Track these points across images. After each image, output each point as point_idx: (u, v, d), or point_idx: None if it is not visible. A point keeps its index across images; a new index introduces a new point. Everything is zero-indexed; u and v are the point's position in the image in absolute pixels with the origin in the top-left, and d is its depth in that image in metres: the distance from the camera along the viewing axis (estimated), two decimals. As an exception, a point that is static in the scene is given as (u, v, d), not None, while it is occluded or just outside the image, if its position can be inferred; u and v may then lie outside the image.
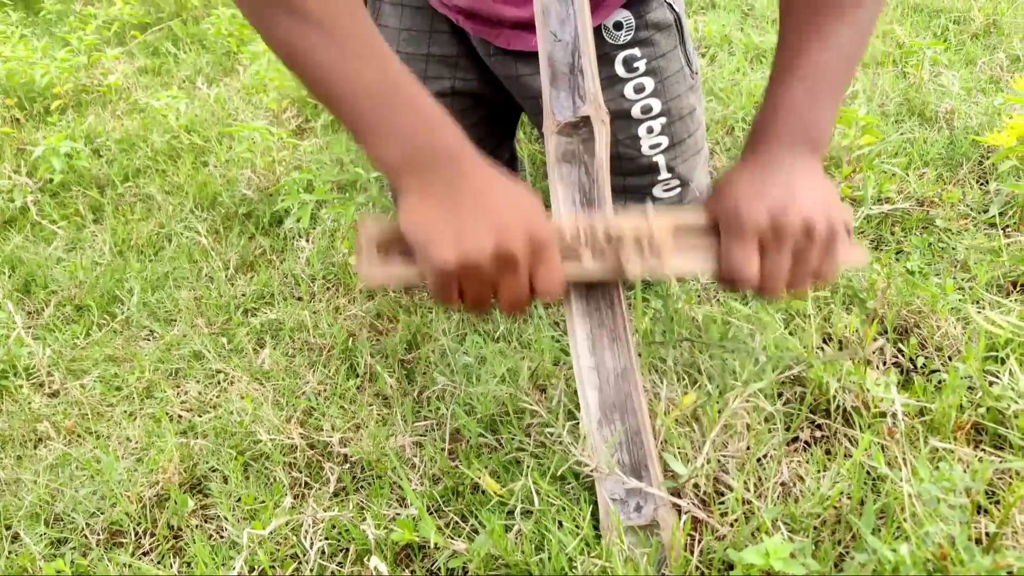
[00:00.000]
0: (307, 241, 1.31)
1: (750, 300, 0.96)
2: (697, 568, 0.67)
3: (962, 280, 1.00)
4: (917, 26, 2.01)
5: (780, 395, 0.84)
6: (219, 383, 1.03)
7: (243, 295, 1.21)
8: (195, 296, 1.21)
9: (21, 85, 1.85)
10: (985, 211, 1.19)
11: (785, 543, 0.58)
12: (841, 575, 0.62)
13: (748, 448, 0.74)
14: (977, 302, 0.92)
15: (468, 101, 1.08)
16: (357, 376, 1.01)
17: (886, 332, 0.92)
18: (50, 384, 1.06)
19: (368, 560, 0.69)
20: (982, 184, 1.26)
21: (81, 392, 1.03)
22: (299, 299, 1.20)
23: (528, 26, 0.97)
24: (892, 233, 1.18)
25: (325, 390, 0.98)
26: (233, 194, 1.47)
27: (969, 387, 0.77)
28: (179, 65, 2.10)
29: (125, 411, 1.00)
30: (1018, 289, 0.95)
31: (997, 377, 0.75)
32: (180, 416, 0.98)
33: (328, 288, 1.20)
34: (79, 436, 0.97)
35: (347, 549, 0.74)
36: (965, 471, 0.64)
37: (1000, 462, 0.66)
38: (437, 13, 1.01)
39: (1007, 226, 1.14)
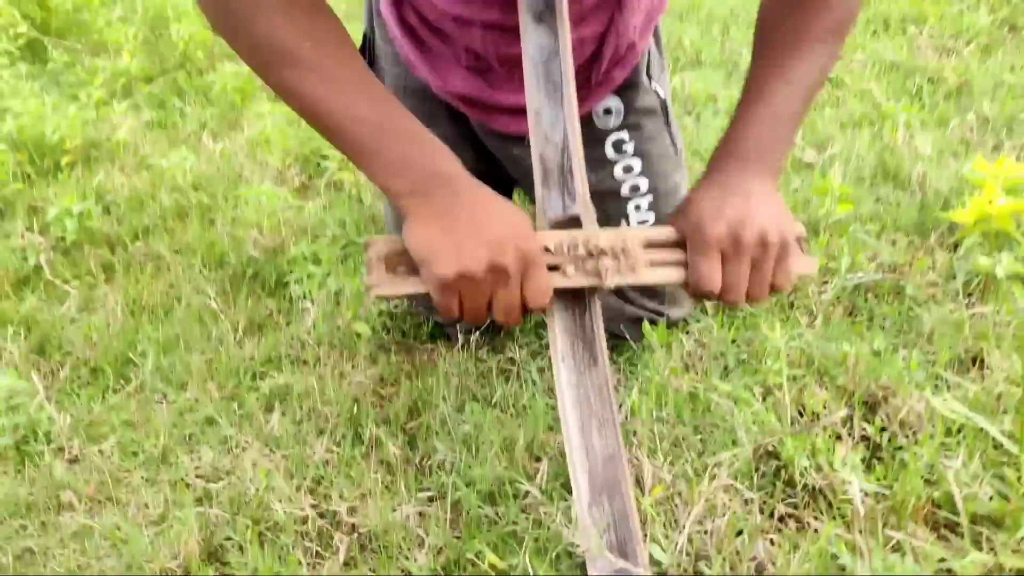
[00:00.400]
0: (312, 303, 1.37)
1: (719, 308, 1.05)
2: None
3: (928, 354, 1.07)
4: (893, 85, 2.10)
5: (757, 468, 0.91)
6: (231, 449, 1.09)
7: (252, 358, 1.28)
8: (206, 360, 1.27)
9: (32, 140, 1.91)
10: (953, 278, 1.27)
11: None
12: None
13: (724, 528, 0.80)
14: (937, 383, 0.99)
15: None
16: (362, 443, 1.07)
17: (855, 407, 0.99)
18: (70, 450, 1.12)
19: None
20: (951, 250, 1.34)
21: (100, 458, 1.09)
22: (305, 362, 1.26)
23: (522, 111, 1.04)
24: (865, 300, 1.25)
25: (332, 458, 1.04)
26: (240, 254, 1.53)
27: (928, 474, 0.84)
28: (184, 119, 2.17)
29: (143, 477, 1.06)
30: (976, 365, 1.02)
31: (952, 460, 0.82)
32: (195, 483, 1.04)
33: (333, 351, 1.26)
34: (100, 503, 1.02)
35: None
36: (917, 560, 0.71)
37: (950, 551, 0.73)
38: (436, 97, 1.09)
39: (971, 294, 1.21)
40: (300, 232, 1.57)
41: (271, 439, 1.09)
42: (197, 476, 1.05)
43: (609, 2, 0.97)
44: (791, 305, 1.21)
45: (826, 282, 1.27)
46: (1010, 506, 0.75)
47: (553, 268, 0.76)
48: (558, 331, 0.79)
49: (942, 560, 0.73)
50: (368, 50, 1.13)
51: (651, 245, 0.79)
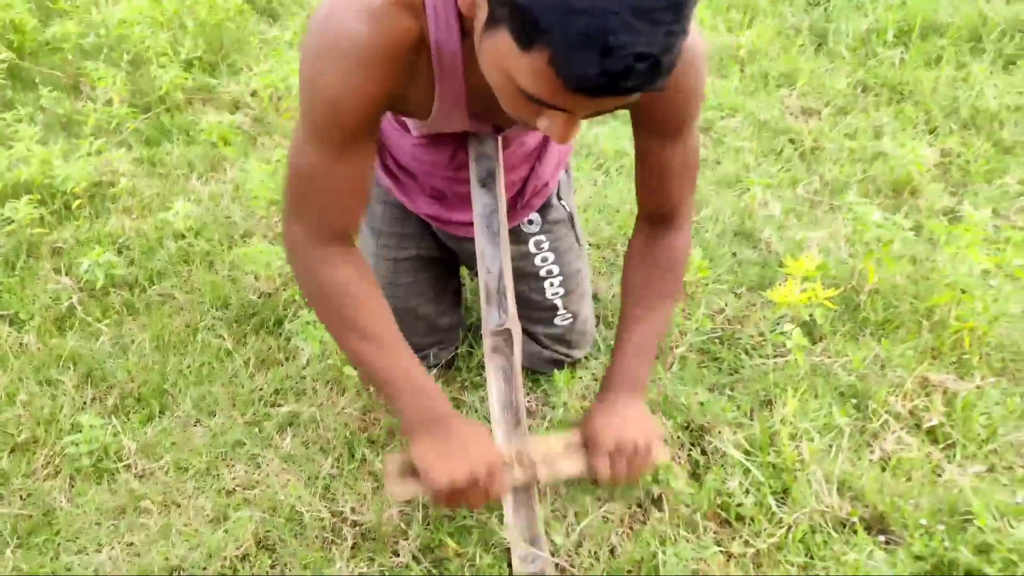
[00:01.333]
0: (304, 342, 1.80)
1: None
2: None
3: (743, 394, 1.58)
4: (763, 144, 2.60)
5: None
6: (259, 465, 1.53)
7: (263, 390, 1.70)
8: (227, 391, 1.70)
9: (42, 185, 2.25)
10: (775, 327, 1.78)
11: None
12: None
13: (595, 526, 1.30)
14: (741, 421, 1.50)
15: (430, 261, 1.60)
16: (355, 460, 1.53)
17: (688, 428, 1.49)
18: (136, 466, 1.53)
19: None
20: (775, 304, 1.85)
21: (161, 473, 1.51)
22: (304, 393, 1.69)
23: (469, 224, 1.49)
24: (713, 344, 1.76)
25: (336, 472, 1.49)
26: (241, 297, 1.94)
27: (721, 486, 1.35)
28: (171, 157, 2.52)
29: (195, 487, 1.49)
30: (767, 407, 1.54)
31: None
32: (235, 490, 1.48)
33: (326, 387, 1.70)
34: (167, 507, 1.45)
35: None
36: (703, 545, 1.22)
37: (725, 538, 1.24)
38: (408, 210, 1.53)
39: (783, 344, 1.73)
40: (289, 279, 1.98)
41: (288, 457, 1.54)
42: (236, 486, 1.49)
43: (530, 157, 1.43)
44: (657, 357, 1.71)
45: (684, 333, 1.77)
46: (757, 509, 1.27)
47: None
48: (495, 403, 1.26)
49: (719, 543, 1.24)
50: None
51: (568, 448, 1.22)
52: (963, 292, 1.65)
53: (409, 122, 1.28)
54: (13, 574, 1.32)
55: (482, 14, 0.85)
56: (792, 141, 2.63)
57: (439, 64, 1.03)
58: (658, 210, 1.27)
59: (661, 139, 1.17)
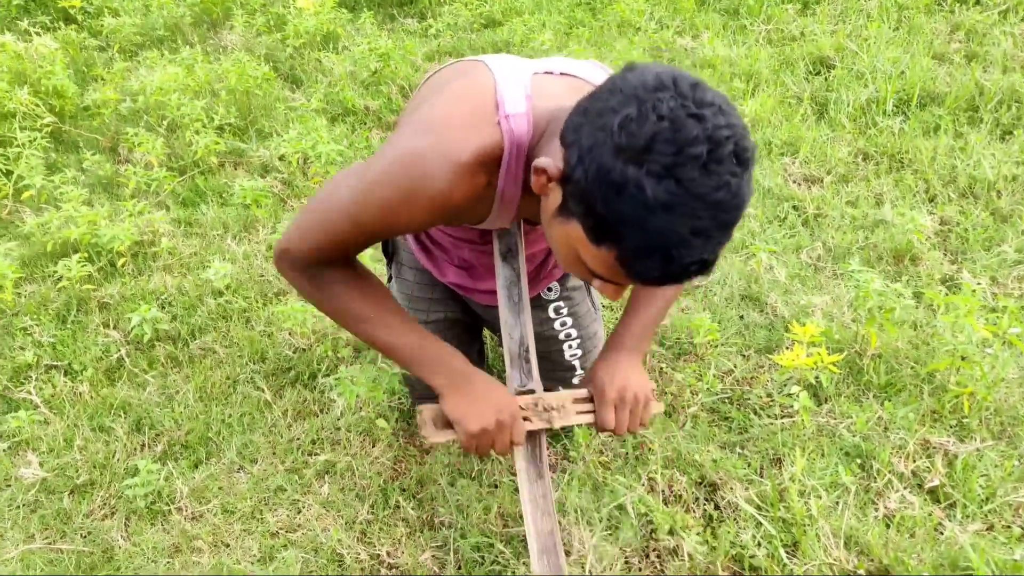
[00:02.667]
0: (338, 396, 1.91)
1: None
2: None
3: (753, 452, 1.69)
4: (767, 211, 2.74)
5: (641, 527, 1.50)
6: (300, 510, 1.63)
7: (300, 439, 1.81)
8: (268, 440, 1.80)
9: (90, 244, 2.39)
10: (782, 388, 1.89)
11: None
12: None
13: None
14: (751, 478, 1.60)
15: (456, 322, 1.72)
16: (388, 507, 1.63)
17: (701, 483, 1.59)
18: (187, 509, 1.64)
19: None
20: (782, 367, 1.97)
21: (210, 515, 1.61)
22: (339, 443, 1.80)
23: (493, 292, 1.61)
24: (723, 404, 1.87)
25: (372, 517, 1.59)
26: (277, 351, 2.06)
27: (735, 538, 1.45)
28: (206, 217, 2.67)
29: (242, 529, 1.59)
30: (776, 465, 1.64)
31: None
32: (279, 533, 1.58)
33: (359, 437, 1.81)
34: (217, 547, 1.55)
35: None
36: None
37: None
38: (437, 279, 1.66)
39: (790, 405, 1.84)
40: (322, 336, 2.11)
41: (326, 502, 1.64)
42: (279, 528, 1.59)
43: None
44: (668, 415, 1.82)
45: (696, 393, 1.88)
46: (769, 561, 1.37)
47: (524, 419, 1.33)
48: (520, 459, 1.37)
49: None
50: (390, 248, 1.68)
51: (576, 400, 1.37)
52: (963, 359, 1.77)
53: None
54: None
55: (555, 198, 1.00)
56: (796, 208, 2.76)
57: (500, 203, 1.17)
58: None
59: None
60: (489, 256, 1.52)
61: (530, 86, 1.11)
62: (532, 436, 1.37)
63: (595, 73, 1.18)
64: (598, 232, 0.93)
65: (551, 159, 0.99)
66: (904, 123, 3.14)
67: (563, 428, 1.74)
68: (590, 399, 1.36)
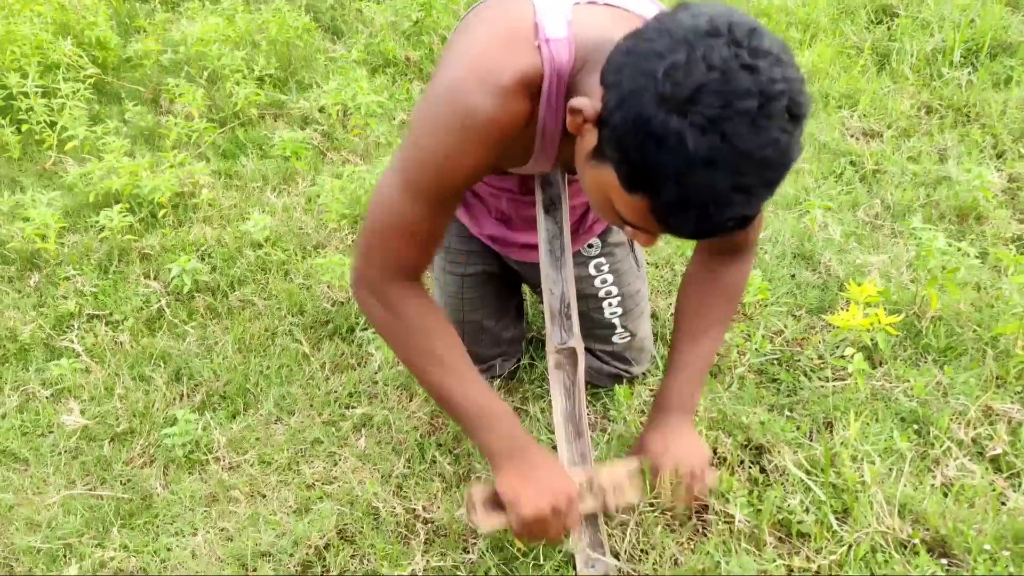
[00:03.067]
0: (376, 349, 1.89)
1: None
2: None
3: (802, 416, 1.62)
4: (823, 166, 2.62)
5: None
6: (336, 462, 1.62)
7: (338, 392, 1.79)
8: (305, 392, 1.79)
9: (131, 195, 2.38)
10: (834, 350, 1.81)
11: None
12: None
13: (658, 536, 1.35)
14: (800, 442, 1.54)
15: (493, 276, 1.67)
16: (425, 461, 1.60)
17: (747, 446, 1.53)
18: (224, 459, 1.63)
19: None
20: (836, 327, 1.88)
21: (247, 466, 1.61)
22: (376, 397, 1.78)
23: (531, 247, 1.55)
24: (771, 365, 1.80)
25: (408, 471, 1.57)
26: (316, 304, 2.04)
27: (781, 503, 1.40)
28: (245, 169, 2.65)
29: (279, 480, 1.58)
30: (828, 428, 1.57)
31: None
32: (315, 484, 1.56)
33: (396, 391, 1.78)
34: (253, 497, 1.55)
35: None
36: (763, 559, 1.26)
37: (785, 552, 1.28)
38: (472, 234, 1.60)
39: (843, 368, 1.76)
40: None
41: (363, 456, 1.62)
42: (316, 480, 1.58)
43: None
44: (713, 376, 1.76)
45: (743, 354, 1.81)
46: (817, 527, 1.31)
47: None
48: (557, 415, 1.32)
49: (779, 557, 1.29)
50: None
51: (630, 475, 1.27)
52: (1030, 321, 1.67)
53: None
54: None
55: (589, 140, 0.93)
56: (853, 163, 2.64)
57: (541, 139, 1.11)
58: (721, 248, 1.33)
59: None
60: (528, 208, 1.46)
61: (571, 14, 1.03)
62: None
63: (645, 5, 1.10)
64: (632, 181, 0.87)
65: (588, 99, 0.92)
66: (972, 75, 2.97)
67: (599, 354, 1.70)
68: (643, 471, 1.29)
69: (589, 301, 1.63)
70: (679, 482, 1.24)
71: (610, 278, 1.63)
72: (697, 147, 0.80)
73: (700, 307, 1.33)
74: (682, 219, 0.86)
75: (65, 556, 1.44)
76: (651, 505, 1.29)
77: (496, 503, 1.19)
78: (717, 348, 1.34)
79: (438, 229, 1.16)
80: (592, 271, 1.62)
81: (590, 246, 1.60)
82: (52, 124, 2.77)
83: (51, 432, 1.70)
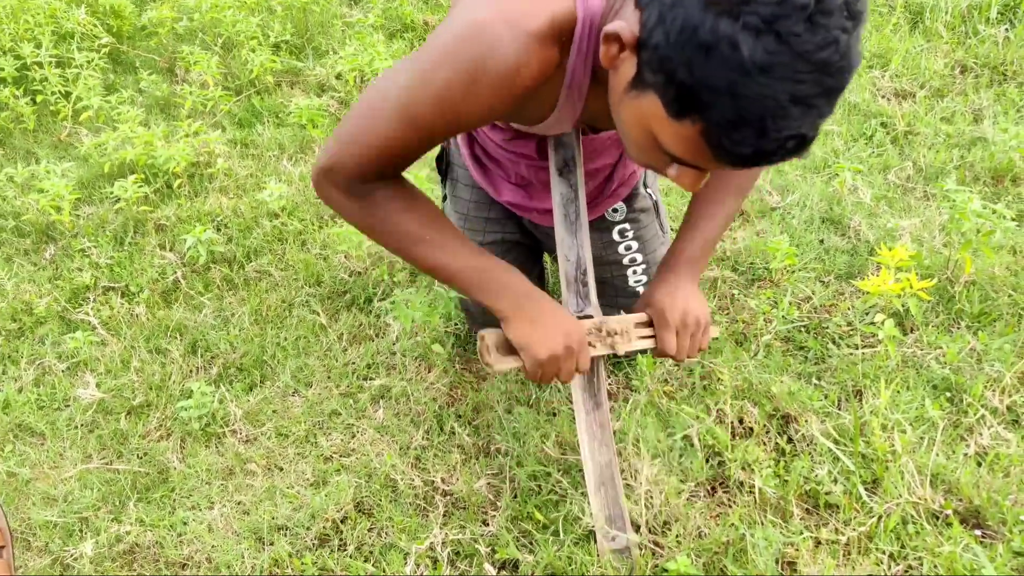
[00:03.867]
0: (394, 320, 1.86)
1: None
2: (650, 572, 1.26)
3: (831, 383, 1.57)
4: (853, 127, 2.54)
5: (708, 460, 1.42)
6: (354, 434, 1.60)
7: (355, 363, 1.77)
8: (323, 364, 1.77)
9: (146, 165, 2.36)
10: (864, 316, 1.76)
11: (689, 562, 1.17)
12: None
13: (680, 507, 1.32)
14: (828, 410, 1.49)
15: (514, 244, 1.63)
16: (443, 433, 1.58)
17: (773, 416, 1.49)
18: (241, 431, 1.62)
19: (482, 566, 1.27)
20: (866, 293, 1.82)
21: (264, 439, 1.59)
22: (395, 368, 1.75)
23: (550, 212, 1.50)
24: (798, 332, 1.75)
25: (426, 443, 1.55)
26: (333, 275, 2.02)
27: (809, 473, 1.35)
28: (261, 138, 2.61)
29: (296, 452, 1.57)
30: (856, 396, 1.53)
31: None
32: (333, 457, 1.55)
33: (415, 362, 1.76)
34: (270, 470, 1.53)
35: (470, 556, 1.31)
36: (790, 531, 1.22)
37: (814, 524, 1.24)
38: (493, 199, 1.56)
39: (873, 335, 1.70)
40: (378, 259, 2.05)
41: (381, 427, 1.60)
42: (333, 453, 1.56)
43: (617, 143, 1.44)
44: (739, 343, 1.71)
45: (770, 321, 1.76)
46: (846, 498, 1.27)
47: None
48: (577, 387, 1.29)
49: (806, 529, 1.25)
50: (444, 164, 1.59)
51: (637, 325, 1.27)
52: (1068, 285, 1.60)
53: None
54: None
55: (626, 70, 0.87)
56: (884, 125, 2.56)
57: (567, 92, 1.04)
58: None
59: None
60: (547, 173, 1.41)
61: None
62: (592, 362, 1.29)
63: None
64: (680, 103, 0.81)
65: (624, 22, 0.86)
66: (1009, 31, 2.86)
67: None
68: (650, 323, 1.27)
69: (612, 268, 1.59)
70: (684, 331, 1.24)
71: (635, 244, 1.58)
72: (752, 52, 0.74)
73: (717, 178, 1.28)
74: (737, 139, 0.79)
75: (81, 530, 1.43)
76: (657, 353, 1.27)
77: (508, 347, 1.19)
78: (732, 215, 1.30)
79: (424, 151, 1.09)
80: (616, 237, 1.57)
81: (615, 211, 1.55)
82: (67, 94, 2.75)
83: (67, 406, 1.69)
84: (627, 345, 1.25)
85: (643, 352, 1.39)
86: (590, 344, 1.23)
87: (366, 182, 1.09)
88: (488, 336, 1.20)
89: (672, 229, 2.09)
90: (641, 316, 1.27)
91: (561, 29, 0.95)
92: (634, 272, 1.61)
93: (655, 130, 0.87)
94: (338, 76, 2.92)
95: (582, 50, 0.98)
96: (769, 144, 0.79)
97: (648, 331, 1.27)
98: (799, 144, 0.79)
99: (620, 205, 1.54)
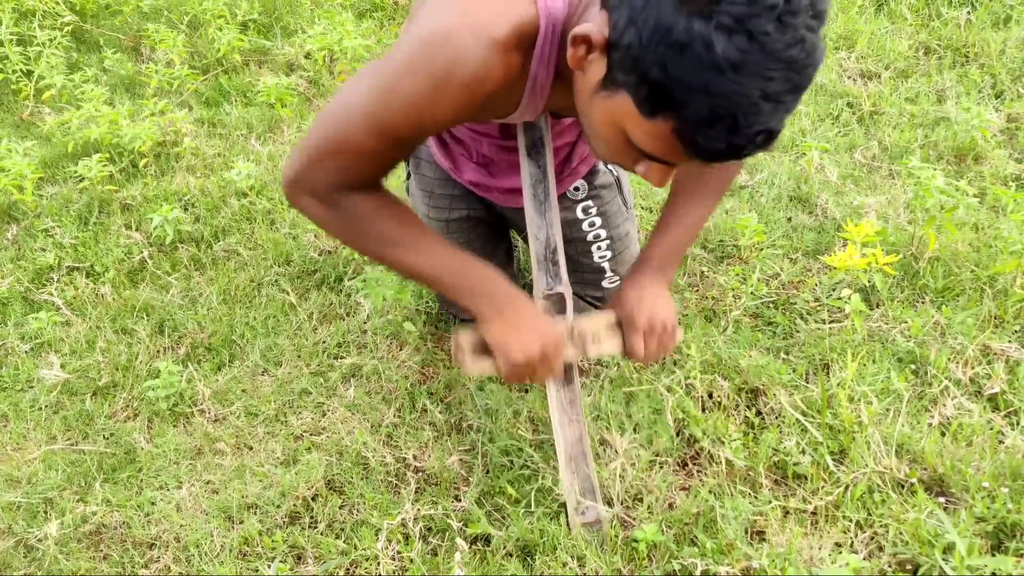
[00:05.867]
0: (364, 298, 1.85)
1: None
2: (620, 543, 1.27)
3: (798, 358, 1.59)
4: (819, 108, 2.56)
5: (679, 433, 1.43)
6: (324, 413, 1.59)
7: (326, 342, 1.76)
8: (293, 343, 1.75)
9: (111, 144, 2.32)
10: (831, 292, 1.78)
11: (658, 531, 1.18)
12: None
13: (655, 480, 1.33)
14: (796, 384, 1.51)
15: (479, 221, 1.63)
16: (416, 410, 1.57)
17: (742, 390, 1.51)
18: (210, 411, 1.60)
19: (454, 540, 1.27)
20: (833, 269, 1.85)
21: (233, 418, 1.58)
22: (366, 347, 1.74)
23: (513, 191, 1.50)
24: (766, 308, 1.76)
25: (398, 420, 1.54)
26: (303, 254, 2.00)
27: (777, 444, 1.37)
28: (229, 117, 2.58)
29: (266, 431, 1.56)
30: (824, 370, 1.55)
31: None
32: (303, 436, 1.54)
33: (386, 340, 1.75)
34: (240, 450, 1.52)
35: (443, 531, 1.31)
36: (757, 501, 1.24)
37: (782, 494, 1.26)
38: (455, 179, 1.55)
39: (839, 310, 1.73)
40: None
41: (351, 406, 1.59)
42: (304, 431, 1.55)
43: (577, 124, 1.44)
44: (708, 319, 1.72)
45: (739, 297, 1.78)
46: (814, 468, 1.29)
47: None
48: (551, 383, 1.29)
49: (775, 499, 1.27)
50: None
51: (608, 326, 1.28)
52: (1028, 260, 1.63)
53: None
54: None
55: (595, 71, 0.88)
56: (850, 105, 2.58)
57: (530, 91, 1.05)
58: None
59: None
60: (510, 152, 1.41)
61: None
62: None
63: None
64: (654, 102, 0.82)
65: (592, 25, 0.87)
66: (971, 14, 2.90)
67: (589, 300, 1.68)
68: (619, 323, 1.28)
69: (578, 245, 1.59)
70: (651, 334, 1.25)
71: (598, 221, 1.58)
72: (725, 50, 0.75)
73: (691, 184, 1.30)
74: (710, 135, 0.81)
75: (46, 512, 1.41)
76: (626, 354, 1.27)
77: (483, 348, 1.19)
78: (706, 218, 1.31)
79: (397, 159, 1.09)
80: (580, 214, 1.57)
81: (576, 189, 1.55)
82: (28, 73, 2.69)
83: (31, 387, 1.66)
84: (597, 348, 1.26)
85: (611, 355, 1.39)
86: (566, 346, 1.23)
87: (340, 192, 1.09)
88: (462, 337, 1.19)
89: (640, 210, 2.10)
90: (610, 316, 1.28)
91: (524, 35, 0.96)
92: (599, 248, 1.62)
93: (627, 129, 0.88)
94: (307, 55, 2.88)
95: (544, 54, 1.00)
96: (740, 139, 0.80)
97: (618, 333, 1.27)
98: (768, 138, 0.81)
99: (581, 183, 1.55)
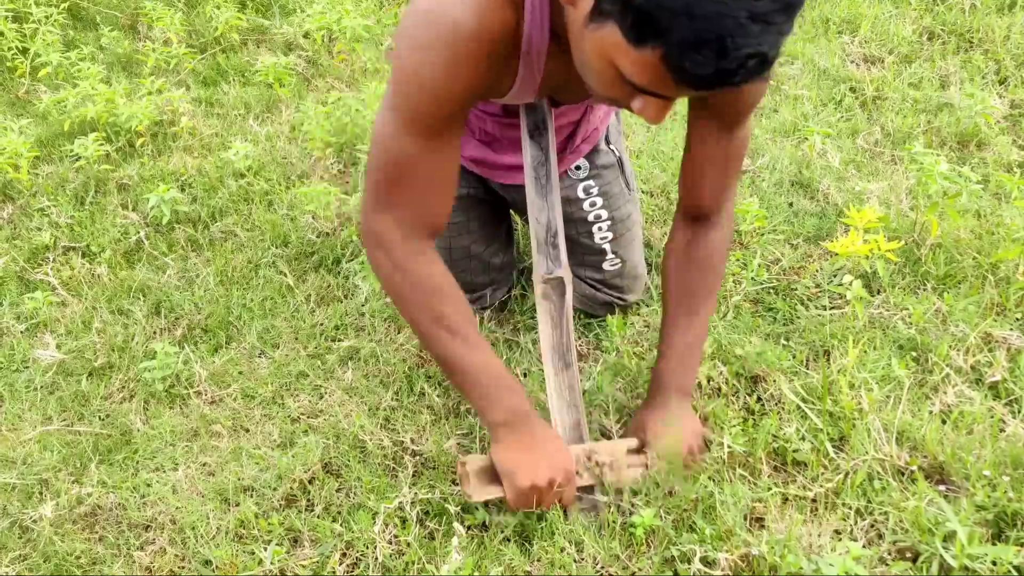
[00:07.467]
0: (362, 281, 1.83)
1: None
2: (618, 528, 1.26)
3: (799, 344, 1.58)
4: (822, 92, 2.54)
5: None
6: (322, 396, 1.58)
7: (324, 325, 1.75)
8: (290, 325, 1.74)
9: (108, 123, 2.29)
10: (832, 278, 1.77)
11: (656, 516, 1.18)
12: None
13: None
14: (796, 370, 1.50)
15: (480, 201, 1.61)
16: (414, 394, 1.56)
17: (741, 376, 1.50)
18: (207, 393, 1.59)
19: (452, 525, 1.26)
20: (834, 255, 1.83)
21: (230, 400, 1.57)
22: (364, 330, 1.73)
23: (514, 168, 1.49)
24: (767, 295, 1.75)
25: (396, 404, 1.53)
26: (301, 235, 1.98)
27: (777, 431, 1.37)
28: (226, 97, 2.55)
29: (263, 414, 1.55)
30: (825, 356, 1.54)
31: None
32: (300, 418, 1.53)
33: (384, 323, 1.74)
34: (236, 432, 1.51)
35: (440, 515, 1.30)
36: (758, 487, 1.24)
37: (781, 481, 1.26)
38: None
39: (840, 296, 1.72)
40: (346, 219, 2.01)
41: (349, 389, 1.58)
42: (301, 414, 1.54)
43: (583, 104, 1.43)
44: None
45: (739, 283, 1.76)
46: (814, 455, 1.28)
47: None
48: (546, 348, 1.28)
49: (774, 485, 1.26)
50: None
51: (628, 452, 1.26)
52: (1031, 247, 1.62)
53: None
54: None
55: (584, 4, 0.87)
56: (853, 90, 2.57)
57: (526, 55, 1.05)
58: (698, 206, 1.29)
59: (718, 125, 1.19)
60: (513, 129, 1.39)
61: None
62: (556, 306, 1.28)
63: None
64: (639, 29, 0.80)
65: None
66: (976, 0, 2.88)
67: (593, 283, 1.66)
68: (641, 449, 1.26)
69: (578, 225, 1.58)
70: (677, 460, 1.24)
71: (599, 201, 1.57)
72: None
73: (688, 285, 1.31)
74: (698, 60, 0.78)
75: (41, 493, 1.40)
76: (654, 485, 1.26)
77: (490, 472, 1.18)
78: (708, 321, 1.33)
79: (450, 167, 1.12)
80: (581, 194, 1.56)
81: (577, 167, 1.54)
82: (24, 51, 2.66)
83: (26, 367, 1.65)
84: (616, 476, 1.24)
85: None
86: (576, 473, 1.22)
87: (406, 243, 1.14)
88: (469, 464, 1.18)
89: (642, 193, 2.08)
90: (631, 442, 1.26)
91: None
92: (599, 229, 1.61)
93: (617, 61, 0.86)
94: (306, 35, 2.85)
95: (535, 10, 0.99)
96: (730, 63, 0.77)
97: (640, 459, 1.26)
98: (761, 63, 0.78)
99: (583, 162, 1.53)
